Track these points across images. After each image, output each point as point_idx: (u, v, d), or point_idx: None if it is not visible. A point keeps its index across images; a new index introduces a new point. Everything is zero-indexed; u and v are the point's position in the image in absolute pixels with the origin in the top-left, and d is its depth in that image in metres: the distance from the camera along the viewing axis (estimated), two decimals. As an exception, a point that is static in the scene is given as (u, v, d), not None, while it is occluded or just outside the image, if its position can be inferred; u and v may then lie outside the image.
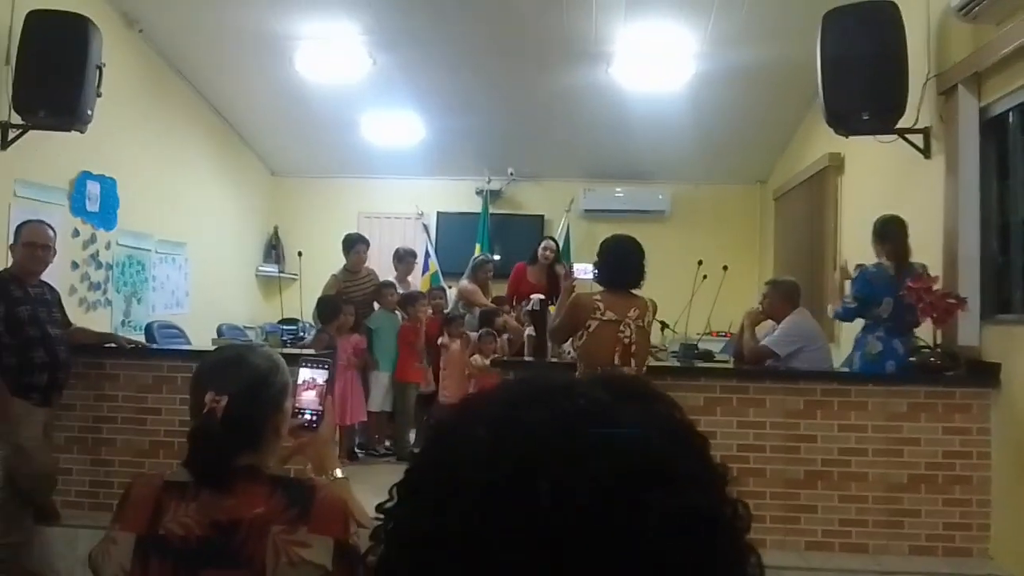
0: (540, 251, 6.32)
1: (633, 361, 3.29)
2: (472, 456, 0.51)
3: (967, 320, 3.79)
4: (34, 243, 3.71)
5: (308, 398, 1.66)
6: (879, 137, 4.40)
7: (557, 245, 6.43)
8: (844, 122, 4.34)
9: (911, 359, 3.86)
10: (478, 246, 7.47)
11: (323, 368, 1.69)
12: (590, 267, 3.92)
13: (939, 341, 3.83)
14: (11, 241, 3.88)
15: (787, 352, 4.18)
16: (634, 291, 3.40)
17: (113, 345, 4.13)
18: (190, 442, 1.41)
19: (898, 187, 4.76)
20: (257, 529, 1.37)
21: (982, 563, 3.64)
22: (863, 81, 4.18)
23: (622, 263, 3.40)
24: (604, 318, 3.27)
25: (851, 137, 4.58)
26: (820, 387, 3.79)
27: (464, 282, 6.29)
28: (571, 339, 3.52)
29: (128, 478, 4.04)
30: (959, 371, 3.77)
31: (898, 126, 4.28)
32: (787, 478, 3.76)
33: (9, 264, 3.93)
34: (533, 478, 0.48)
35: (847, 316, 4.22)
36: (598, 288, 3.63)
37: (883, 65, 4.18)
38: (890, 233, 4.14)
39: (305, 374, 1.67)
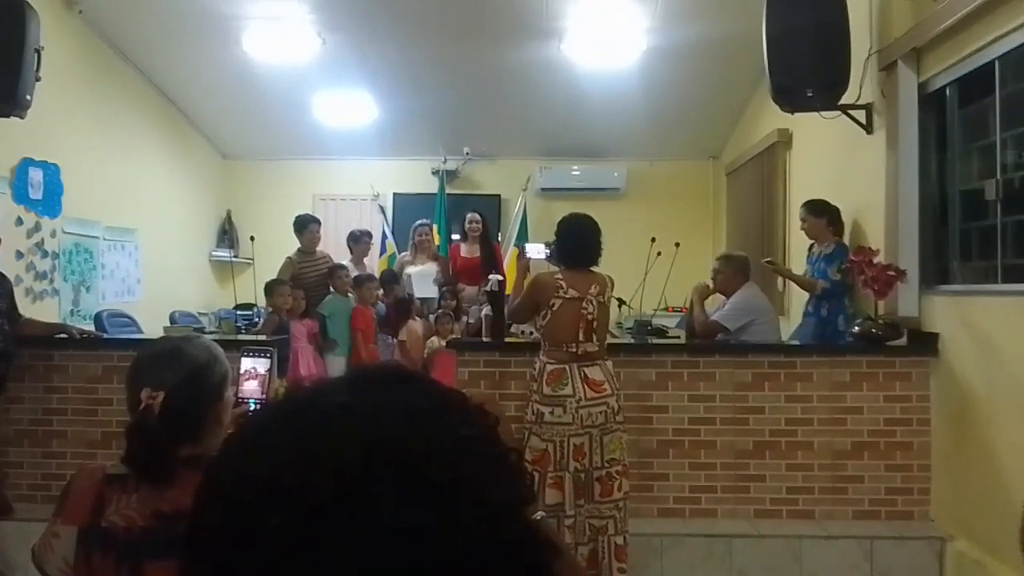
0: (466, 225, 6.35)
1: (595, 336, 3.34)
2: (214, 499, 0.51)
3: (907, 291, 3.90)
4: None
5: (250, 387, 1.67)
6: (823, 113, 4.47)
7: (483, 216, 6.44)
8: (789, 98, 4.40)
9: (854, 330, 3.97)
10: (435, 226, 7.44)
11: (265, 357, 1.69)
12: (542, 247, 3.94)
13: (880, 312, 3.95)
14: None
15: (737, 326, 4.26)
16: (592, 268, 3.45)
17: (64, 336, 4.06)
18: (127, 439, 1.41)
19: (843, 162, 4.86)
20: None
21: (923, 525, 3.78)
22: (807, 58, 4.23)
23: (581, 241, 3.44)
24: (567, 296, 3.32)
25: (797, 113, 4.65)
26: (768, 359, 3.88)
27: (401, 254, 6.59)
28: (533, 318, 3.55)
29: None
30: (899, 341, 3.89)
31: (841, 102, 4.35)
32: (737, 449, 3.86)
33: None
34: (267, 515, 0.47)
35: (835, 289, 4.37)
36: (552, 268, 3.67)
37: (826, 42, 4.24)
38: (839, 214, 4.49)
39: (247, 363, 1.67)
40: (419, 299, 6.04)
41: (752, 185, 6.62)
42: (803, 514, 3.82)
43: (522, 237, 7.84)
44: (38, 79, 4.63)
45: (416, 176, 8.20)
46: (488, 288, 5.00)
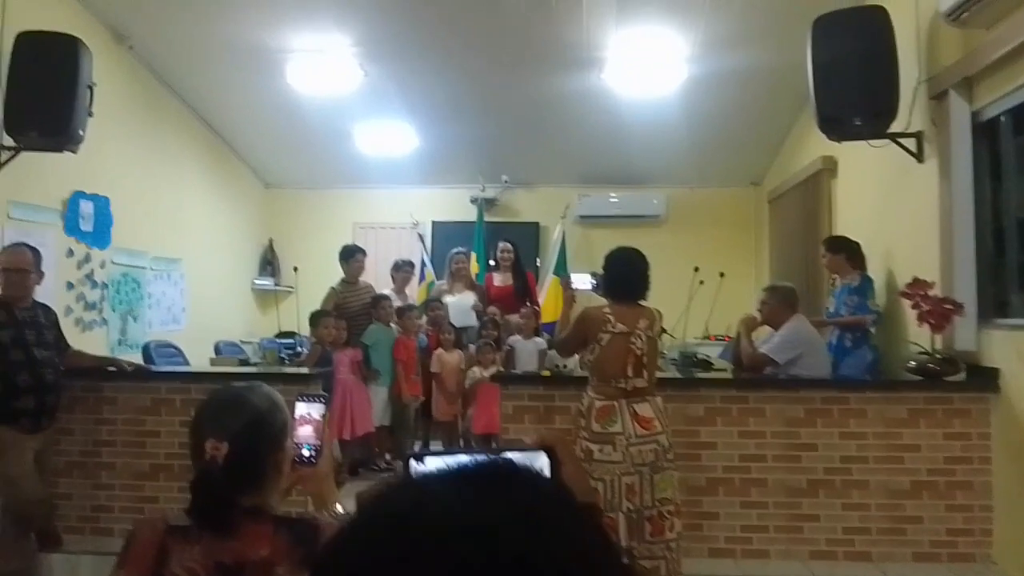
0: (498, 254, 6.37)
1: (644, 371, 3.29)
2: None
3: (964, 324, 3.79)
4: (7, 269, 3.63)
5: (305, 433, 1.64)
6: (871, 141, 4.40)
7: (515, 245, 6.43)
8: (836, 128, 4.34)
9: (910, 364, 3.87)
10: (474, 255, 7.45)
11: (319, 402, 1.67)
12: (588, 277, 3.90)
13: (937, 346, 3.83)
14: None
15: (786, 359, 4.17)
16: (640, 302, 3.40)
17: (113, 368, 4.10)
18: (192, 491, 1.40)
19: (891, 190, 4.77)
20: (262, 571, 1.36)
21: (985, 568, 3.64)
22: (854, 86, 4.18)
23: (629, 275, 3.39)
24: (615, 330, 3.27)
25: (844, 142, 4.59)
26: (820, 395, 3.79)
27: (438, 282, 6.61)
28: (580, 352, 3.50)
29: (129, 502, 4.05)
30: (958, 376, 3.78)
31: (890, 130, 4.29)
32: (789, 487, 3.76)
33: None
34: None
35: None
36: (598, 299, 3.63)
37: (874, 70, 4.18)
38: (858, 248, 4.70)
39: (301, 409, 1.65)
40: (458, 328, 6.03)
41: (796, 213, 6.52)
42: (860, 555, 3.70)
43: (561, 265, 7.82)
44: (90, 114, 4.76)
45: (455, 204, 8.24)
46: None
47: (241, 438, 1.42)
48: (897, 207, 4.66)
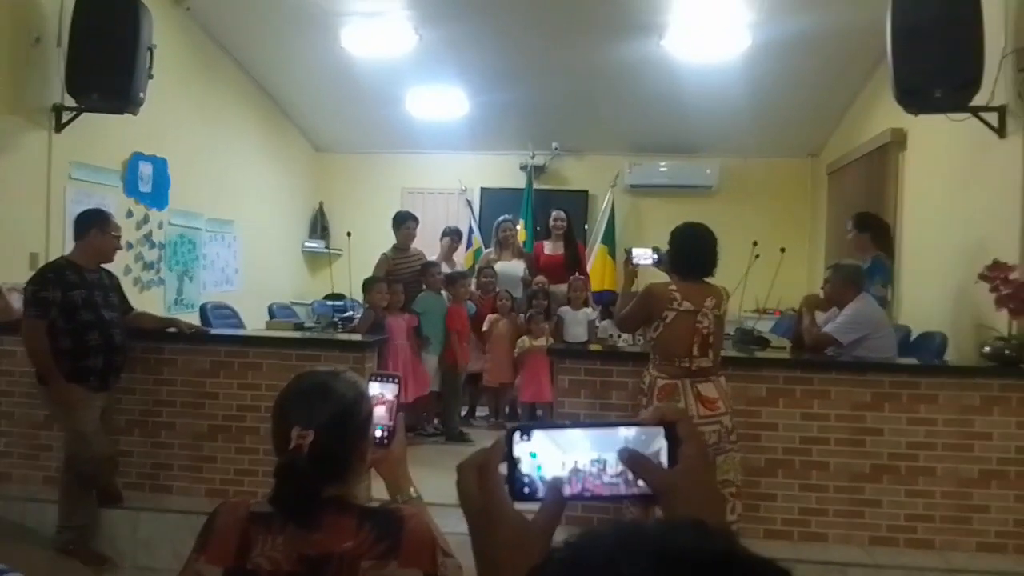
0: (551, 223, 6.28)
1: (710, 351, 3.21)
2: None
3: (1045, 311, 3.63)
4: (119, 235, 3.88)
5: (379, 413, 1.60)
6: (951, 115, 4.20)
7: (567, 214, 6.33)
8: (915, 99, 4.16)
9: (985, 350, 3.72)
10: (522, 222, 7.38)
11: (392, 382, 1.63)
12: (650, 252, 3.79)
13: (1014, 332, 3.68)
14: (70, 225, 3.92)
15: (850, 340, 4.04)
16: (706, 279, 3.31)
17: (174, 330, 4.15)
18: (277, 478, 1.37)
19: (968, 167, 4.56)
20: (347, 564, 1.33)
21: (1058, 561, 3.53)
22: (937, 57, 4.00)
23: (697, 251, 3.30)
24: (682, 308, 3.19)
25: (921, 114, 4.39)
26: (888, 379, 3.67)
27: (485, 250, 6.54)
28: (642, 329, 3.43)
29: (188, 460, 4.10)
30: (1035, 364, 3.63)
31: (972, 103, 4.09)
32: (852, 472, 3.67)
33: (66, 249, 3.97)
34: None
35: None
36: (659, 275, 3.54)
37: (958, 41, 3.99)
38: (887, 229, 4.77)
39: (375, 389, 1.60)
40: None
41: (858, 187, 6.30)
42: (923, 543, 3.61)
43: (609, 234, 7.72)
44: (151, 77, 4.76)
45: (504, 171, 8.15)
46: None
47: (328, 428, 1.38)
48: (974, 185, 4.47)
